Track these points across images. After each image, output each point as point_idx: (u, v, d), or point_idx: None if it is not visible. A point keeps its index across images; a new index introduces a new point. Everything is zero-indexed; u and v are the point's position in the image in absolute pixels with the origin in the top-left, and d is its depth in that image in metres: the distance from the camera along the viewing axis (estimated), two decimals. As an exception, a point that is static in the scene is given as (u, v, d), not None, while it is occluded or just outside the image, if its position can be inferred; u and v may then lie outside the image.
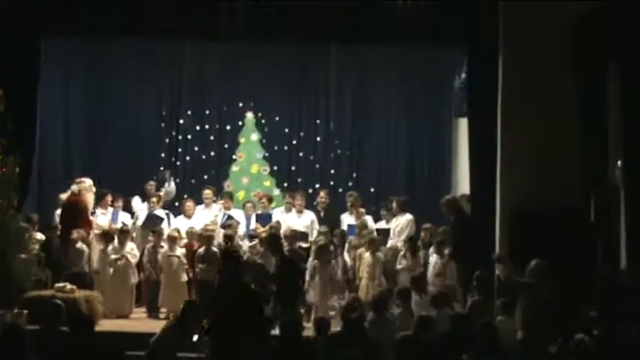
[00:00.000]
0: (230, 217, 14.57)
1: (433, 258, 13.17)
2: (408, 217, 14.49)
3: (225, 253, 10.41)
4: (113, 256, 13.42)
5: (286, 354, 8.49)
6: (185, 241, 13.92)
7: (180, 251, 13.58)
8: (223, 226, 14.13)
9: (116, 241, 13.58)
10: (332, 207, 15.19)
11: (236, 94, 16.95)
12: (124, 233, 13.70)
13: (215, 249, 13.24)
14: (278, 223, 14.28)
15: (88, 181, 14.04)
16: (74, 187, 13.93)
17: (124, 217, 14.78)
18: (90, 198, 14.00)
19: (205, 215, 14.82)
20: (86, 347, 8.22)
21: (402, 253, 13.60)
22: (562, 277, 10.37)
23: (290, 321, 9.08)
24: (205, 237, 13.53)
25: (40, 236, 13.25)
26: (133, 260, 13.56)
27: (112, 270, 13.44)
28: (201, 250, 13.35)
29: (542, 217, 12.11)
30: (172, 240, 13.57)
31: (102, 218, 14.59)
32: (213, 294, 9.68)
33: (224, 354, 8.61)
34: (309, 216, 14.86)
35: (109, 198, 14.78)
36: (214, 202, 15.23)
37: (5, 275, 11.74)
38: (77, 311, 10.89)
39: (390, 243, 14.18)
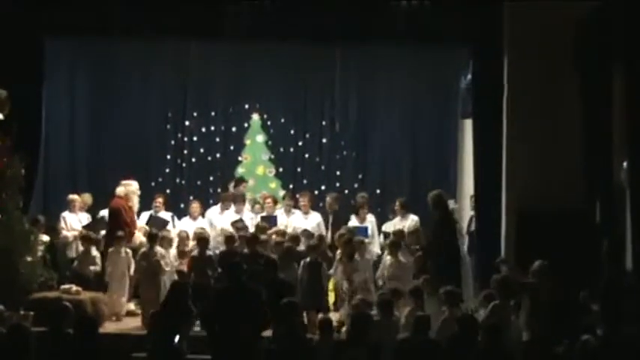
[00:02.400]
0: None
1: (387, 260, 12.75)
2: (414, 218, 14.44)
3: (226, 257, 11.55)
4: (143, 263, 12.95)
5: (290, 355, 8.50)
6: (192, 243, 13.87)
7: (172, 253, 13.33)
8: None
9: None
10: (340, 210, 15.00)
11: (242, 95, 16.93)
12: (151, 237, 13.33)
13: (210, 252, 12.93)
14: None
15: (134, 184, 14.05)
16: (120, 190, 13.92)
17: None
18: (136, 200, 14.03)
19: (221, 219, 14.64)
20: (91, 349, 8.23)
21: (338, 257, 12.92)
22: (567, 278, 10.37)
23: (291, 322, 9.06)
24: (199, 240, 13.17)
25: (45, 238, 13.26)
26: (167, 268, 13.05)
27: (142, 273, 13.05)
28: (195, 252, 12.97)
29: (546, 218, 12.11)
30: (165, 247, 13.18)
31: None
32: (213, 293, 9.75)
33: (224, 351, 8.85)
34: (315, 218, 14.77)
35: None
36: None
37: (11, 277, 11.77)
38: (82, 313, 10.88)
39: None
